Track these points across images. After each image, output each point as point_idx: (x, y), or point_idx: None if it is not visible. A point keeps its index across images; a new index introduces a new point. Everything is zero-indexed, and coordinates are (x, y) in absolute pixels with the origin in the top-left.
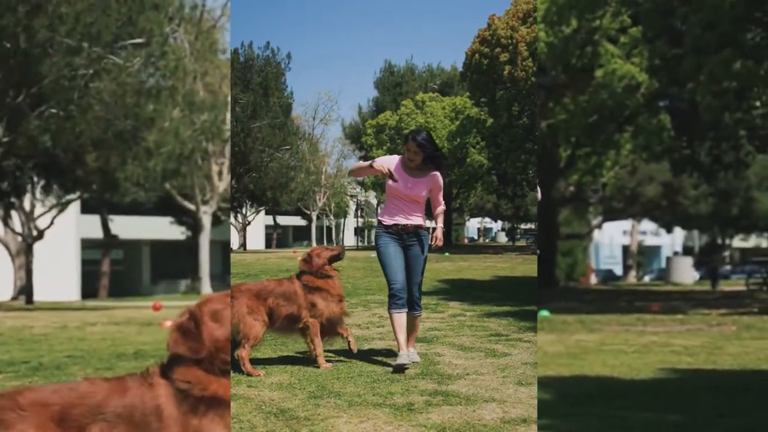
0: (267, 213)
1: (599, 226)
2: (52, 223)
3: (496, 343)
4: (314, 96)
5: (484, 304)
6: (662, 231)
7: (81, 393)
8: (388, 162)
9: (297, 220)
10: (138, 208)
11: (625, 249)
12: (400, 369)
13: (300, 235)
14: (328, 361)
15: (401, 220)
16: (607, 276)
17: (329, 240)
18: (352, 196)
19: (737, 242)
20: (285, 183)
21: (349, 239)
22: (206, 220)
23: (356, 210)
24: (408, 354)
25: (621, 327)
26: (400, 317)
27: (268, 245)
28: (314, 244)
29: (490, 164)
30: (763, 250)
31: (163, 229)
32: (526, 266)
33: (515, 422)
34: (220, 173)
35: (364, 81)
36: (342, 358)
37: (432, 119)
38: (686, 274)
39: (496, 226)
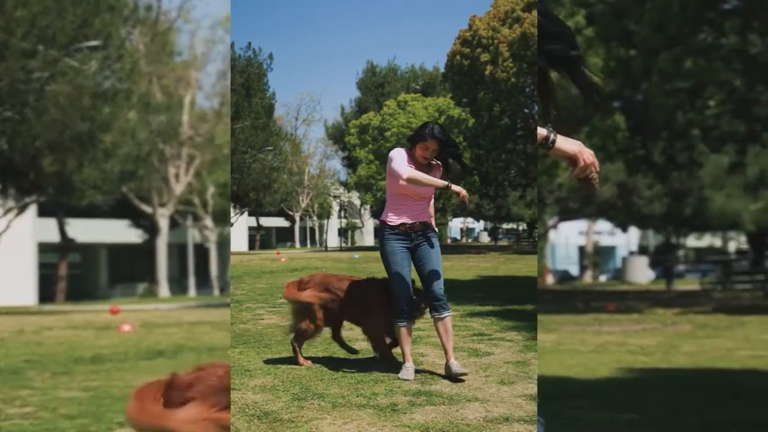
0: (250, 214)
1: (555, 227)
2: (8, 226)
3: (478, 342)
4: (296, 96)
5: (466, 303)
6: (617, 231)
7: None
8: (404, 159)
9: (280, 222)
10: (95, 211)
11: (581, 249)
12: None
13: (283, 236)
14: (309, 368)
15: (408, 219)
16: (564, 276)
17: (312, 241)
18: (335, 196)
19: (691, 241)
20: (268, 184)
21: (333, 240)
22: (163, 223)
23: (339, 211)
24: (452, 366)
25: (577, 327)
26: (405, 330)
27: (251, 247)
28: (297, 245)
29: (472, 164)
30: (717, 249)
31: (120, 232)
32: (508, 266)
33: (498, 421)
34: (177, 175)
35: (347, 81)
36: (339, 353)
37: (414, 119)
38: (641, 273)
39: (479, 226)
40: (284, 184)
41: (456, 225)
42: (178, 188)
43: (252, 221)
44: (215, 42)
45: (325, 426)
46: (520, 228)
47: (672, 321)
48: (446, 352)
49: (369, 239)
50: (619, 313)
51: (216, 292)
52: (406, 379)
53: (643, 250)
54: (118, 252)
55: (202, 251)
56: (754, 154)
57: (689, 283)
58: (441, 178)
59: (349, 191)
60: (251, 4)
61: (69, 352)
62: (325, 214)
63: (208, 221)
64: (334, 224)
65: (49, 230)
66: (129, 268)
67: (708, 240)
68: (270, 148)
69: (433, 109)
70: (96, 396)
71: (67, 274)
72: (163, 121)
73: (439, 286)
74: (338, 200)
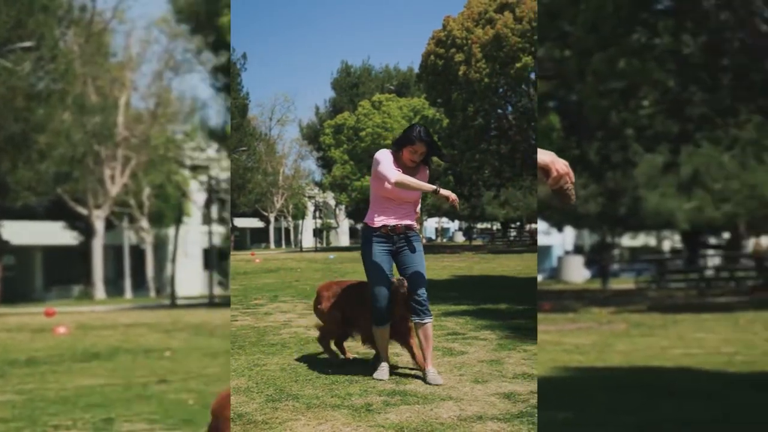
0: None
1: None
2: None
3: (453, 341)
4: (271, 97)
5: (441, 303)
6: (553, 230)
7: None
8: (390, 162)
9: (254, 222)
10: (30, 213)
11: None
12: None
13: (258, 237)
14: (283, 369)
15: (390, 221)
16: None
17: (287, 242)
18: (310, 197)
19: (626, 241)
20: (242, 184)
21: (308, 241)
22: (99, 225)
23: (314, 211)
24: (429, 374)
25: None
26: (384, 332)
27: None
28: (272, 246)
29: (447, 165)
30: (652, 248)
31: (55, 234)
32: (482, 265)
33: (471, 420)
34: (112, 177)
35: (321, 82)
36: (314, 353)
37: (389, 119)
38: (577, 272)
39: (454, 225)
40: (258, 185)
41: (431, 225)
42: (114, 190)
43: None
44: (150, 42)
45: (300, 427)
46: (495, 228)
47: (607, 320)
48: (425, 359)
49: (344, 239)
50: (554, 312)
51: (152, 293)
52: (380, 379)
53: (578, 249)
54: (53, 254)
55: (138, 253)
56: (688, 153)
57: (624, 282)
58: (438, 180)
59: (324, 191)
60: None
61: (3, 355)
62: (299, 214)
63: (144, 223)
64: (309, 225)
65: None
66: (64, 270)
67: (643, 239)
68: (244, 148)
69: (407, 109)
70: (30, 399)
71: (2, 277)
72: (98, 123)
73: (422, 291)
74: (313, 201)
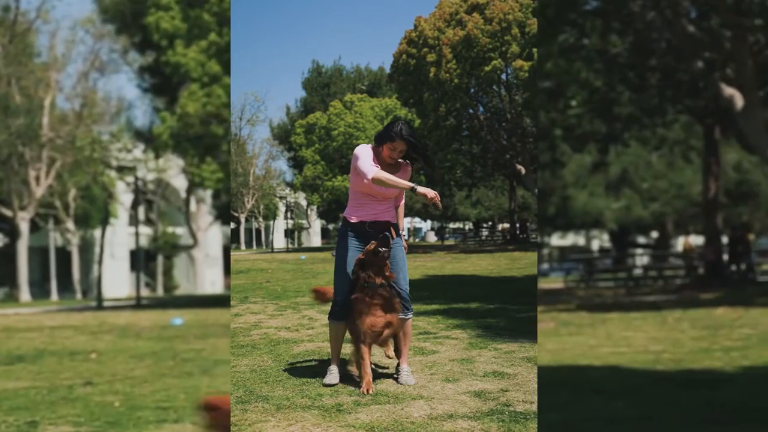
0: None
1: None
2: None
3: (424, 341)
4: (240, 96)
5: (413, 302)
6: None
7: None
8: (369, 158)
9: None
10: None
11: None
12: (329, 385)
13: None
14: (253, 370)
15: (369, 218)
16: None
17: (258, 243)
18: (281, 197)
19: (555, 240)
20: (229, 186)
21: (279, 241)
22: (24, 227)
23: (286, 212)
24: (402, 373)
25: None
26: (338, 328)
27: None
28: (243, 246)
29: (419, 164)
30: (580, 247)
31: None
32: (454, 265)
33: (442, 418)
34: (37, 178)
35: (292, 81)
36: (284, 355)
37: (361, 119)
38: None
39: (426, 225)
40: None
41: (403, 225)
42: (39, 191)
43: None
44: (76, 42)
45: (270, 428)
46: (467, 227)
47: (538, 319)
48: (400, 355)
49: (316, 240)
50: None
51: (78, 295)
52: (329, 385)
53: None
54: None
55: (64, 255)
56: (616, 153)
57: (553, 281)
58: (410, 179)
59: (295, 192)
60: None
61: None
62: (271, 215)
63: (70, 224)
64: (280, 225)
65: None
66: None
67: (571, 238)
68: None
69: (379, 109)
70: None
71: None
72: (23, 124)
73: (404, 286)
74: (284, 201)
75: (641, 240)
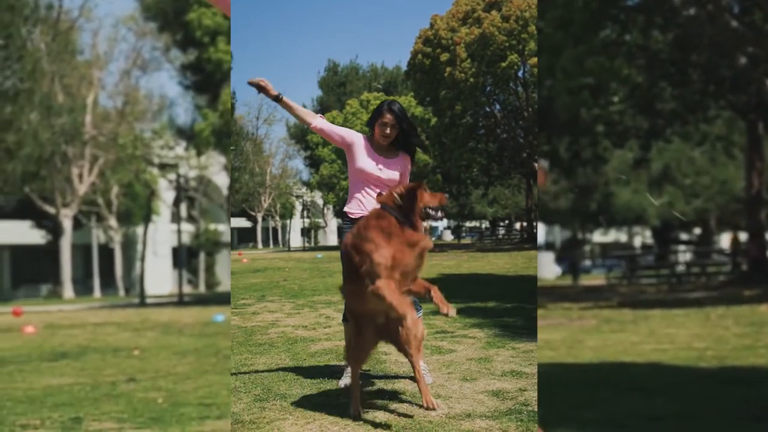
0: None
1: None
2: None
3: (441, 340)
4: (257, 96)
5: (429, 301)
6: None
7: None
8: (354, 137)
9: (242, 222)
10: None
11: None
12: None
13: (245, 236)
14: (271, 369)
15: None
16: None
17: (275, 242)
18: (297, 196)
19: (597, 237)
20: (229, 184)
21: (296, 240)
22: (67, 224)
23: (302, 211)
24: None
25: None
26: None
27: None
28: (260, 245)
29: (435, 163)
30: (622, 244)
31: (23, 233)
32: (471, 264)
33: (460, 417)
34: (80, 176)
35: (308, 80)
36: (302, 353)
37: None
38: (548, 269)
39: (442, 224)
40: (246, 185)
41: None
42: (82, 188)
43: None
44: (118, 40)
45: (287, 426)
46: (483, 226)
47: (578, 315)
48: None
49: (332, 239)
50: None
51: (121, 292)
52: (347, 386)
53: (549, 245)
54: (21, 253)
55: (106, 252)
56: (658, 149)
57: (595, 278)
58: (409, 172)
59: (311, 191)
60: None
61: None
62: (287, 214)
63: (113, 221)
64: (296, 224)
65: None
66: (32, 270)
67: (613, 235)
68: (231, 148)
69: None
70: None
71: None
72: (66, 122)
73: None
74: (301, 200)
75: (684, 236)
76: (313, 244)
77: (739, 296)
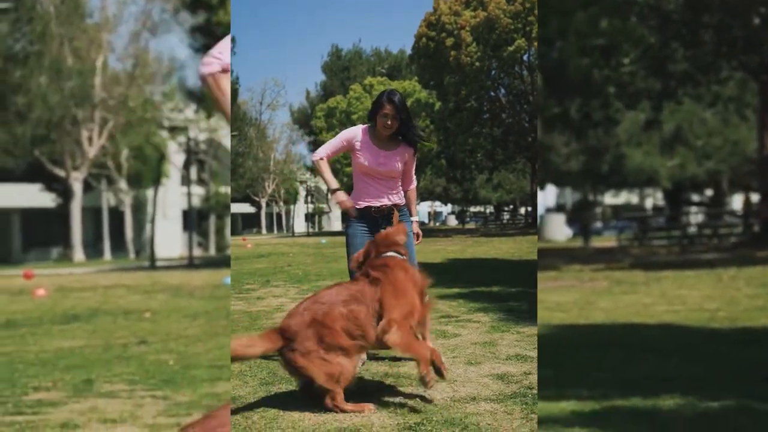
0: None
1: None
2: None
3: (446, 324)
4: (260, 81)
5: (434, 286)
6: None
7: None
8: (353, 134)
9: (246, 207)
10: (7, 176)
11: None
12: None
13: (249, 222)
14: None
15: (374, 202)
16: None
17: (279, 227)
18: (301, 181)
19: (608, 198)
20: (233, 169)
21: (300, 225)
22: (77, 187)
23: (306, 196)
24: None
25: None
26: None
27: None
28: (264, 231)
29: (439, 148)
30: (634, 205)
31: (33, 196)
32: (476, 248)
33: (465, 401)
34: (90, 139)
35: (312, 65)
36: None
37: None
38: (559, 231)
39: (446, 209)
40: (249, 170)
41: (423, 209)
42: (92, 151)
43: None
44: (127, 3)
45: (294, 409)
46: (487, 211)
47: (589, 277)
48: (424, 340)
49: (336, 224)
50: (536, 270)
51: (131, 255)
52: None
53: (560, 207)
54: (31, 216)
55: (117, 215)
56: (670, 110)
57: (606, 240)
58: (414, 161)
59: (315, 176)
60: None
61: None
62: (291, 199)
63: (123, 184)
64: (300, 209)
65: None
66: (43, 233)
67: (625, 197)
68: (234, 133)
69: (399, 91)
70: (10, 361)
71: None
72: (76, 85)
73: None
74: (304, 185)
75: (695, 198)
76: (317, 230)
77: (751, 257)
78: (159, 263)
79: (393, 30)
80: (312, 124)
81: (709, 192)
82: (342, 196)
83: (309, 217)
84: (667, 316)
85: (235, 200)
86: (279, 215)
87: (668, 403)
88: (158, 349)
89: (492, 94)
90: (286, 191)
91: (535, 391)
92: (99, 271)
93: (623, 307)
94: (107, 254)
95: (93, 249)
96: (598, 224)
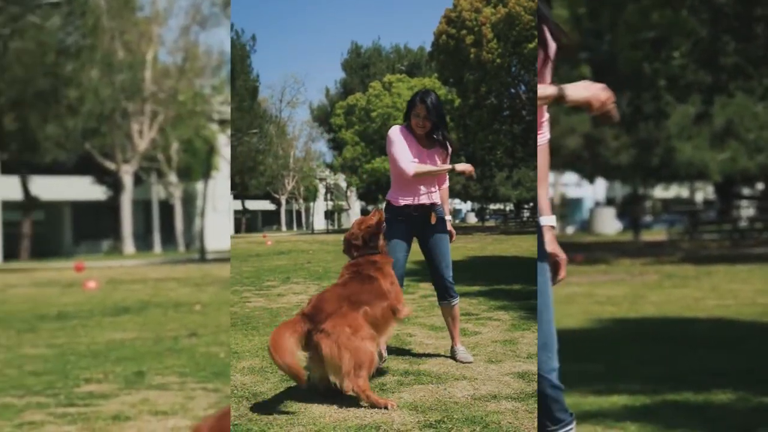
0: (235, 198)
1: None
2: None
3: (466, 322)
4: (281, 78)
5: (455, 284)
6: (584, 182)
7: None
8: (403, 146)
9: (266, 205)
10: (58, 168)
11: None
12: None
13: (269, 219)
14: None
15: (412, 201)
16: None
17: (298, 224)
18: (321, 179)
19: (659, 192)
20: (253, 167)
21: (319, 223)
22: (127, 180)
23: (326, 193)
24: (459, 352)
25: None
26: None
27: (237, 230)
28: (284, 228)
29: (459, 145)
30: (684, 199)
31: (84, 189)
32: (495, 246)
33: (485, 399)
34: (140, 132)
35: (331, 63)
36: None
37: (399, 100)
38: (609, 224)
39: (466, 206)
40: (270, 167)
41: None
42: (142, 144)
43: (237, 204)
44: None
45: (314, 405)
46: (507, 209)
47: (639, 271)
48: (453, 338)
49: None
50: (586, 264)
51: (181, 248)
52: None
53: (610, 201)
54: (82, 209)
55: (166, 207)
56: (721, 104)
57: (656, 234)
58: (448, 160)
59: (335, 173)
60: None
61: (34, 310)
62: (311, 196)
63: (173, 177)
64: (320, 207)
65: (12, 188)
66: (93, 225)
67: (675, 190)
68: (255, 131)
69: (419, 89)
70: (62, 353)
71: (31, 232)
72: (126, 78)
73: (447, 273)
74: (324, 183)
75: (746, 192)
76: (336, 227)
77: None
78: (209, 256)
79: (412, 27)
80: (331, 122)
81: (760, 186)
82: (461, 165)
83: (328, 215)
84: (718, 310)
85: (255, 197)
86: (299, 212)
87: (720, 398)
88: (208, 341)
89: (512, 91)
90: (305, 188)
91: None
92: (149, 264)
93: (674, 301)
94: (157, 247)
95: (143, 242)
96: (648, 218)
